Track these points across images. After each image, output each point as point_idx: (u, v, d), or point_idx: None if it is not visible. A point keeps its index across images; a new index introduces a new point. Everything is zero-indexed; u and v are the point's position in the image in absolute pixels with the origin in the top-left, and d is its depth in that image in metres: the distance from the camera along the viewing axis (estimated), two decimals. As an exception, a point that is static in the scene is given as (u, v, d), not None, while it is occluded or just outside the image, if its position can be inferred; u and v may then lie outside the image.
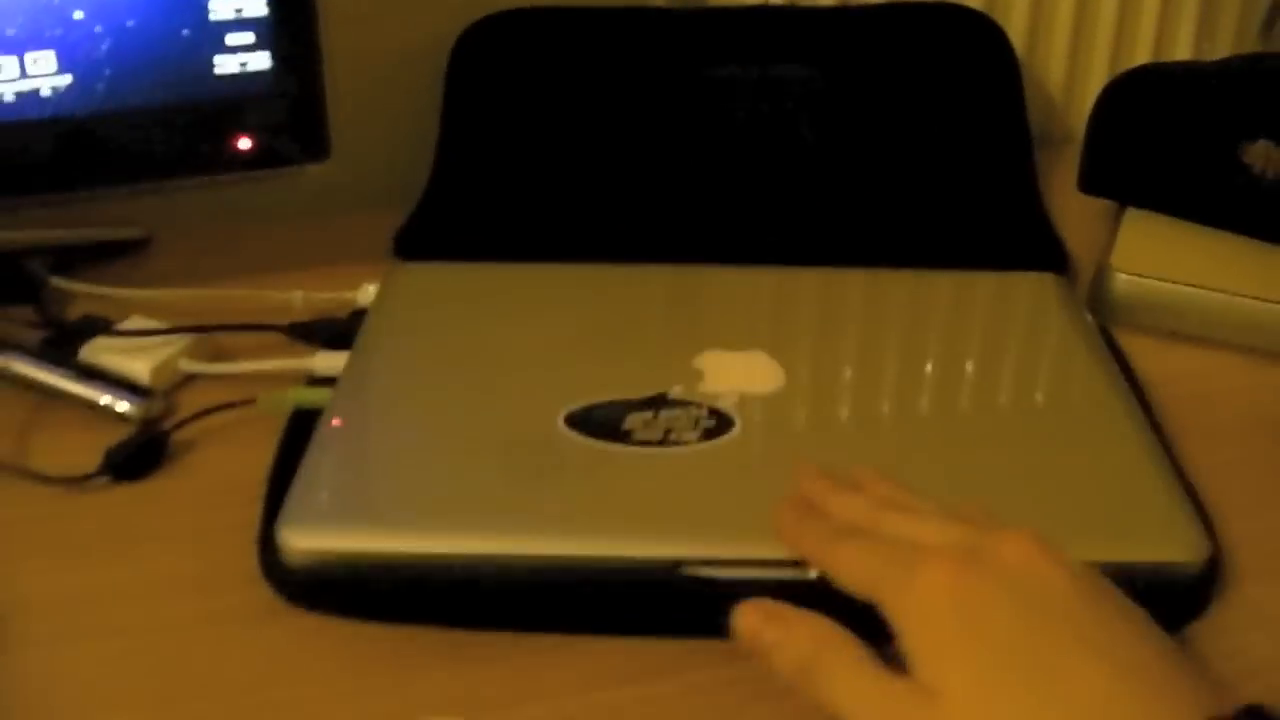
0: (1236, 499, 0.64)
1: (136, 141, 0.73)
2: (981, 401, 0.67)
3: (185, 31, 0.71)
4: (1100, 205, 0.89)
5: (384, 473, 0.61)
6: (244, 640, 0.55)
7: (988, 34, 0.96)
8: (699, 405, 0.64)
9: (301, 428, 0.65)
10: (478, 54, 0.92)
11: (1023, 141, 0.94)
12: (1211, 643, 0.56)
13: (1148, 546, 0.57)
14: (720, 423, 0.63)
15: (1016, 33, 1.00)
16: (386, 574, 0.56)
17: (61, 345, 0.72)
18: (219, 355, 0.74)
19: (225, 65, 0.73)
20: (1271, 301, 0.77)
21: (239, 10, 0.72)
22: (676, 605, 0.55)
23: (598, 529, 0.57)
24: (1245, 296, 0.77)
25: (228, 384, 0.71)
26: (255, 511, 0.61)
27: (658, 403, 0.64)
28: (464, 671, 0.54)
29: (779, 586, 0.53)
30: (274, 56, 0.74)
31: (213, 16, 0.72)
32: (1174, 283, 0.79)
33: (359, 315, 0.74)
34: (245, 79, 0.74)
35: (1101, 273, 0.81)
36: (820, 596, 0.51)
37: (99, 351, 0.72)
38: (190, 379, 0.72)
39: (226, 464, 0.66)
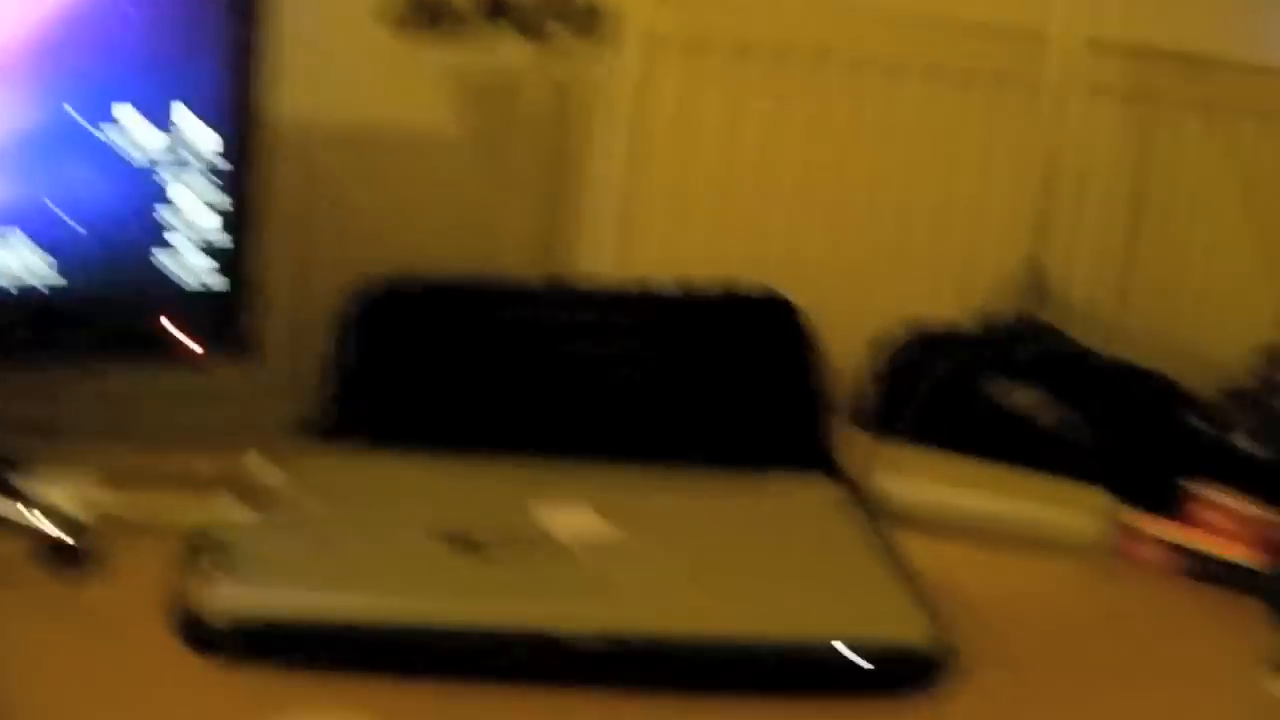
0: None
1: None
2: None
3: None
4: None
5: (296, 556, 0.77)
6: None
7: (787, 314, 1.16)
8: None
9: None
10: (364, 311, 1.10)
11: (812, 399, 1.13)
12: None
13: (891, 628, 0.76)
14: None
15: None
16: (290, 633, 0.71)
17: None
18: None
19: (167, 263, 0.91)
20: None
21: (194, 224, 0.91)
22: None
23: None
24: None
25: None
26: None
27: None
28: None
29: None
30: (218, 265, 0.92)
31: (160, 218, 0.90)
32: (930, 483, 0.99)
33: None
34: (184, 279, 0.92)
35: (872, 476, 1.00)
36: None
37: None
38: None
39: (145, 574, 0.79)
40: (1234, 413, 1.10)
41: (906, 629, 0.77)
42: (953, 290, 1.26)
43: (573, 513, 0.86)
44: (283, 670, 0.70)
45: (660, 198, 1.18)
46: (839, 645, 0.74)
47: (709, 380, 1.10)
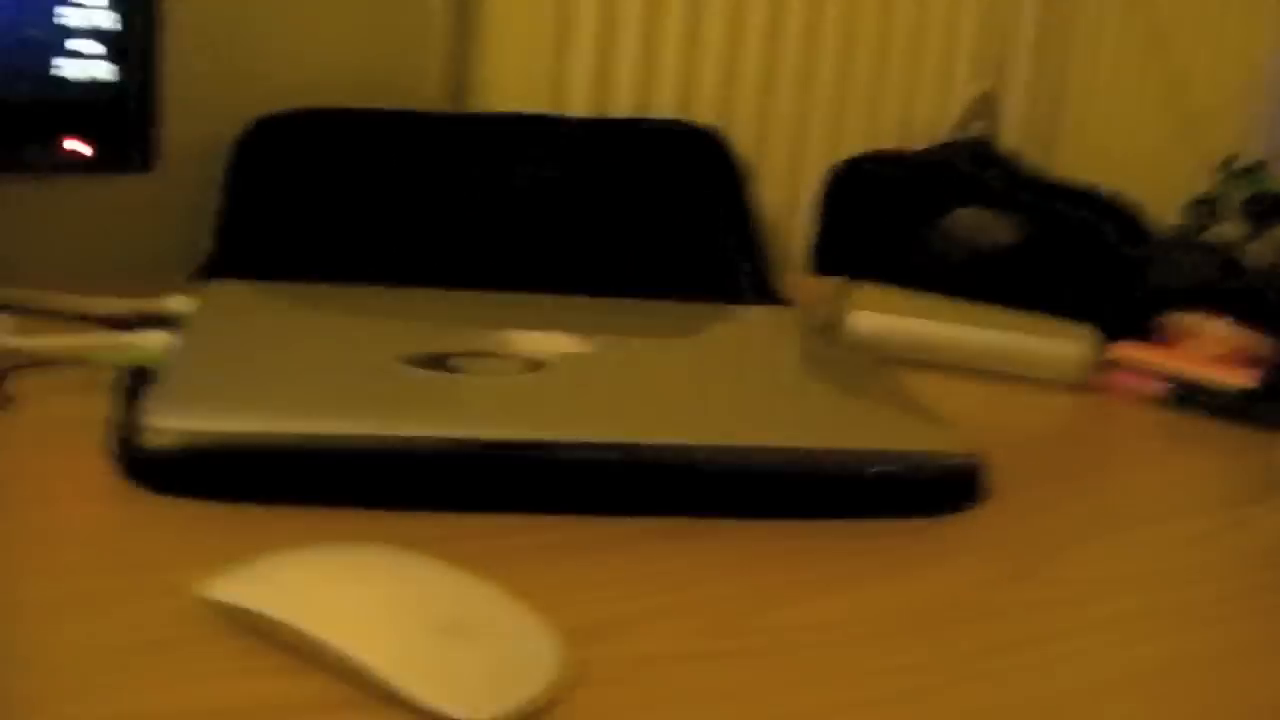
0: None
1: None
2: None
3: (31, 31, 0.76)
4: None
5: (241, 374, 0.65)
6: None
7: (715, 146, 1.08)
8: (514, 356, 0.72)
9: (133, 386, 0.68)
10: (262, 145, 0.99)
11: (747, 233, 1.05)
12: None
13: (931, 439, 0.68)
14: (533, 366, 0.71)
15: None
16: (250, 455, 0.60)
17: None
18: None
19: (66, 69, 0.78)
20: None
21: (88, 19, 0.78)
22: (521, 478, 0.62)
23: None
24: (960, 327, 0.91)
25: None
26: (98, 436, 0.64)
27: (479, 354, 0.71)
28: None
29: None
30: (117, 68, 0.79)
31: (60, 21, 0.77)
32: (906, 318, 0.91)
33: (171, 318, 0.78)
34: (84, 85, 0.79)
35: (839, 314, 0.92)
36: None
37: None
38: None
39: (63, 409, 0.68)
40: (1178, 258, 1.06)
41: (941, 440, 0.69)
42: (898, 122, 1.19)
43: (542, 333, 0.76)
44: (241, 502, 0.59)
45: (581, 40, 1.08)
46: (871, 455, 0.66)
47: (635, 214, 1.01)
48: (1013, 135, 1.24)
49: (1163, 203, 1.15)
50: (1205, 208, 1.23)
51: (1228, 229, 1.20)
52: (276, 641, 0.48)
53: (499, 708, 0.46)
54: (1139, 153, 1.37)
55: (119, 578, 0.53)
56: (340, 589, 0.49)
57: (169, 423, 0.60)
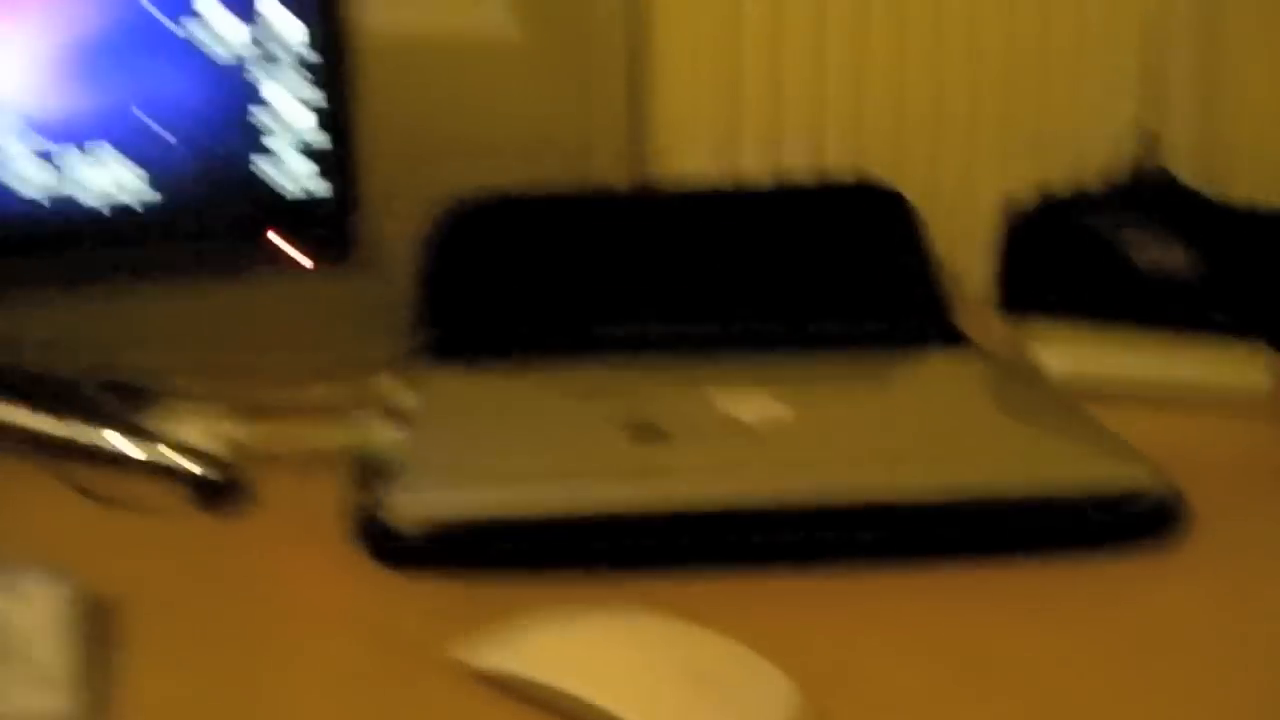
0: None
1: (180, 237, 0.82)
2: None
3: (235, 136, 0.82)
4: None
5: (471, 455, 0.70)
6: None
7: (894, 203, 1.11)
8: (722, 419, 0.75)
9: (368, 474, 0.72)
10: (457, 229, 1.04)
11: (930, 280, 1.08)
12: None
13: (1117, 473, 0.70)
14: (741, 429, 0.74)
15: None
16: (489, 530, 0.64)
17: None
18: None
19: (270, 172, 0.84)
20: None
21: (290, 125, 0.84)
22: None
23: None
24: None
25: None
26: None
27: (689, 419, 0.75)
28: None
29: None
30: (321, 171, 0.85)
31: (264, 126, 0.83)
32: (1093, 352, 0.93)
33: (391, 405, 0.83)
34: (288, 187, 0.84)
35: (1026, 353, 0.94)
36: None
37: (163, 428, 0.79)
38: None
39: (302, 498, 0.73)
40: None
41: (1138, 474, 0.70)
42: (1069, 158, 1.20)
43: (744, 394, 0.79)
44: (481, 574, 0.64)
45: (750, 92, 1.12)
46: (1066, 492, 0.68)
47: (820, 270, 1.04)
48: (1183, 164, 1.24)
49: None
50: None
51: None
52: (536, 700, 0.52)
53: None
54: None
55: (385, 654, 0.57)
56: (592, 650, 0.53)
57: (413, 505, 0.65)
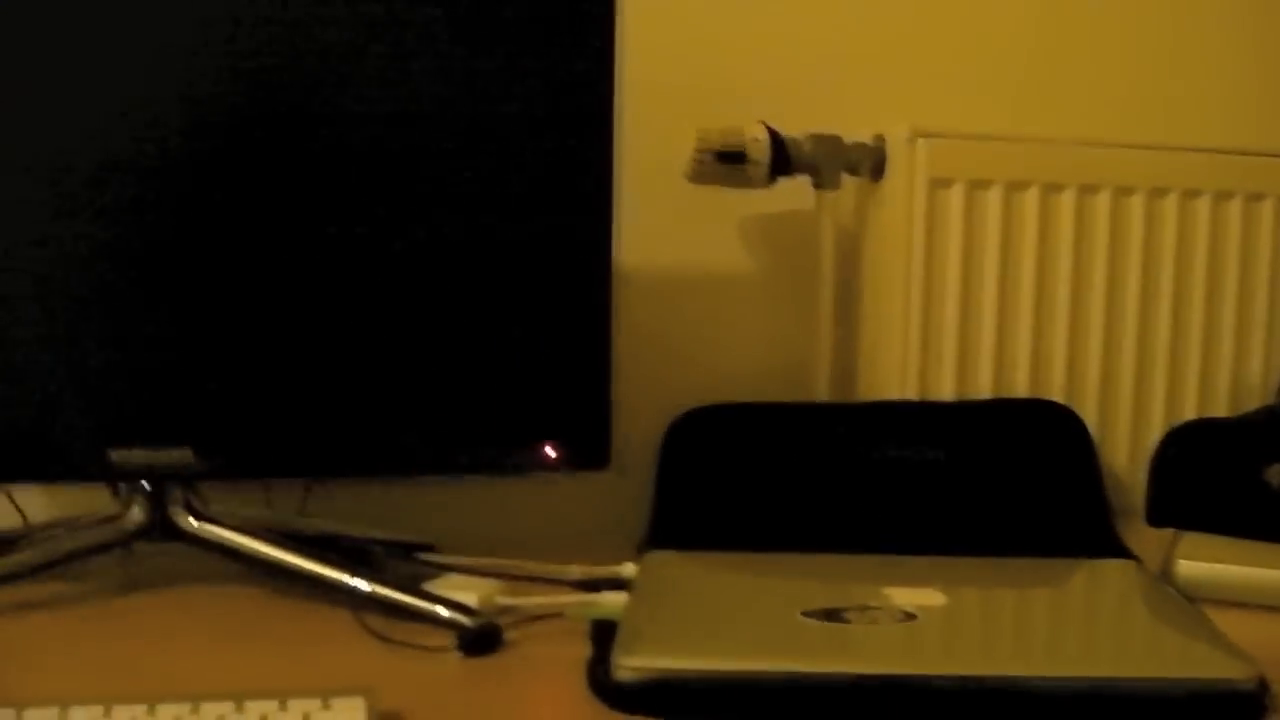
0: None
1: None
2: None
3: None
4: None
5: (680, 623, 0.87)
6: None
7: (1070, 422, 1.25)
8: (893, 609, 0.91)
9: (601, 633, 0.90)
10: (687, 436, 1.23)
11: (1098, 495, 1.21)
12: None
13: (1214, 669, 0.83)
14: (908, 617, 0.89)
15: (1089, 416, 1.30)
16: (690, 686, 0.81)
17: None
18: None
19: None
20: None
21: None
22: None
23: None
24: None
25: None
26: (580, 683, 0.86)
27: (865, 608, 0.91)
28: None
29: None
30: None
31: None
32: (1226, 563, 1.05)
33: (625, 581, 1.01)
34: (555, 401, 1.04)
35: (1169, 562, 1.07)
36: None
37: (440, 589, 0.98)
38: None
39: (547, 651, 0.91)
40: None
41: (1230, 669, 0.83)
42: (1227, 389, 1.33)
43: (919, 590, 0.94)
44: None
45: (947, 327, 1.28)
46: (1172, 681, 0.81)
47: (1002, 483, 1.19)
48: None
49: None
50: None
51: None
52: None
53: None
54: None
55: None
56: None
57: (634, 662, 0.82)
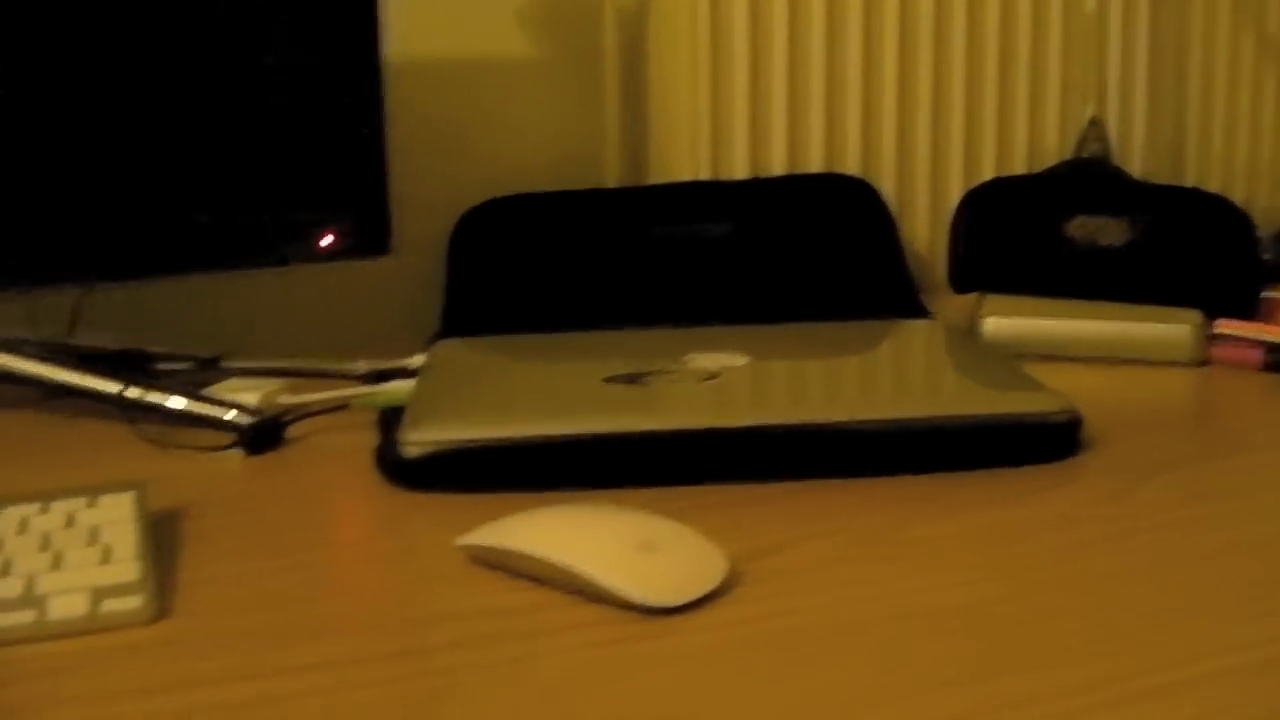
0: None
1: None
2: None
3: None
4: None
5: (469, 400, 0.83)
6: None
7: (865, 193, 1.24)
8: (694, 371, 0.88)
9: (388, 419, 0.86)
10: (476, 227, 1.18)
11: (899, 265, 1.21)
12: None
13: (1028, 404, 0.82)
14: (711, 376, 0.87)
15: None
16: (481, 455, 0.78)
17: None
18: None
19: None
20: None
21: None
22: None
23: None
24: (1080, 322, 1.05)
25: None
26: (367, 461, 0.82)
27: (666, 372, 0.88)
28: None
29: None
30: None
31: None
32: (1032, 318, 1.05)
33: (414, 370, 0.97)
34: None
35: (975, 322, 1.06)
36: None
37: (220, 392, 0.93)
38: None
39: (334, 443, 0.87)
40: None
41: (1044, 402, 0.83)
42: (1023, 152, 1.33)
43: (721, 354, 0.92)
44: (478, 493, 0.76)
45: (736, 106, 1.25)
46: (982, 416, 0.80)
47: (798, 256, 1.17)
48: (1136, 152, 1.37)
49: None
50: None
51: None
52: (514, 571, 0.65)
53: (678, 599, 0.61)
54: (1261, 152, 1.49)
55: (394, 542, 0.71)
56: (560, 527, 0.66)
57: (421, 436, 0.78)
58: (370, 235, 1.00)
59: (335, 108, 0.98)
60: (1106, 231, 1.10)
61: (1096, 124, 1.26)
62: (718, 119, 1.24)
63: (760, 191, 1.21)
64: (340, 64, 0.98)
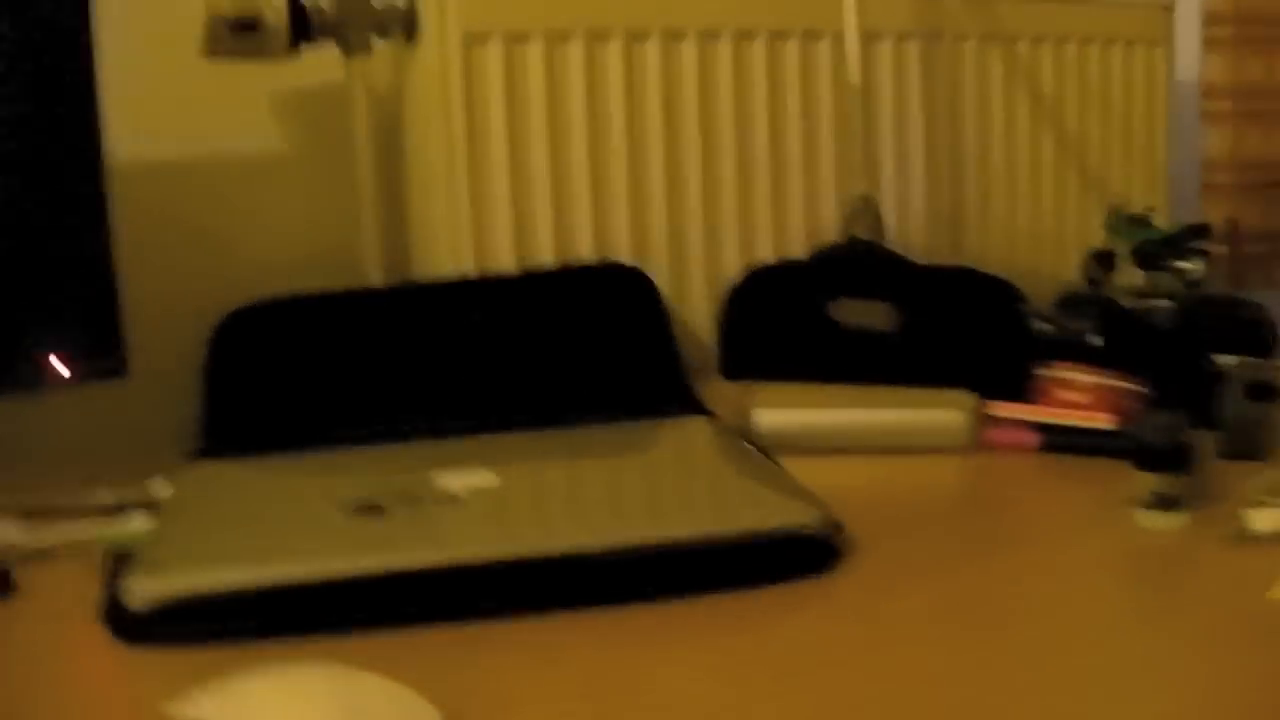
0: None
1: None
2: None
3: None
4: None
5: (201, 540, 0.79)
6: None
7: (636, 281, 1.21)
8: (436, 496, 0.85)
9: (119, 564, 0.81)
10: (232, 336, 1.13)
11: (671, 354, 1.18)
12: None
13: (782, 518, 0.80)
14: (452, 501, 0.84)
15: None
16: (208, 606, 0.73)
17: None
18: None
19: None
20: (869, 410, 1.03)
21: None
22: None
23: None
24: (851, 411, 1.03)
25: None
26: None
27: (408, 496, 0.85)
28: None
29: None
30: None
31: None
32: (803, 410, 1.04)
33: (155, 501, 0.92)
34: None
35: (747, 416, 1.04)
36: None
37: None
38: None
39: (61, 590, 0.81)
40: (1067, 314, 1.18)
41: (799, 514, 0.81)
42: (793, 238, 1.32)
43: (470, 472, 0.89)
44: (210, 645, 0.72)
45: (498, 196, 1.22)
46: (733, 535, 0.78)
47: (567, 348, 1.14)
48: (915, 225, 1.37)
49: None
50: (1103, 260, 1.33)
51: (1125, 278, 1.31)
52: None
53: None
54: (1042, 217, 1.51)
55: (108, 712, 0.66)
56: (268, 697, 0.62)
57: (143, 587, 0.73)
58: (103, 356, 0.94)
59: (57, 224, 0.93)
60: (873, 314, 1.09)
61: (868, 201, 1.25)
62: (479, 209, 1.21)
63: (529, 285, 1.18)
64: (59, 175, 0.93)
